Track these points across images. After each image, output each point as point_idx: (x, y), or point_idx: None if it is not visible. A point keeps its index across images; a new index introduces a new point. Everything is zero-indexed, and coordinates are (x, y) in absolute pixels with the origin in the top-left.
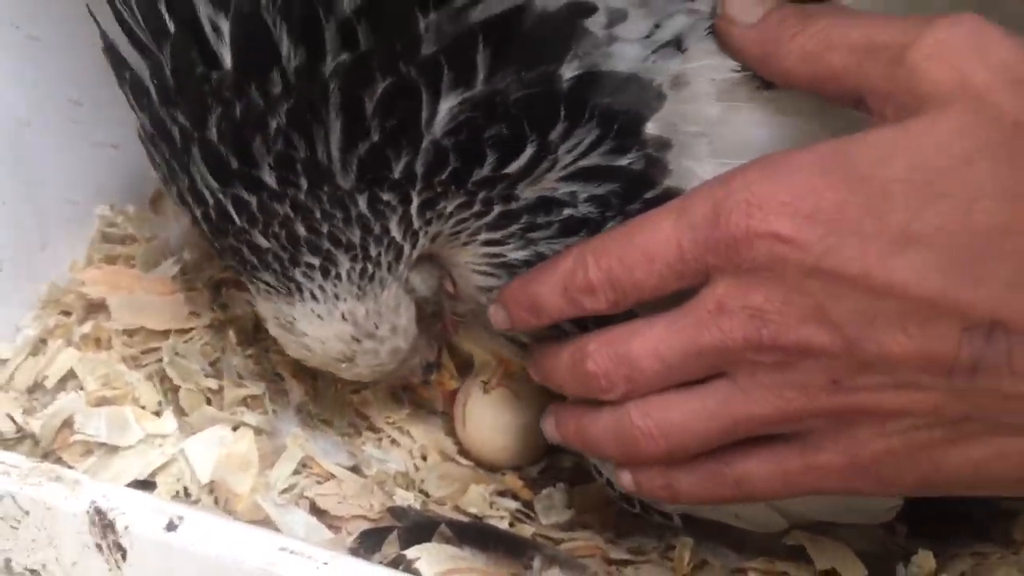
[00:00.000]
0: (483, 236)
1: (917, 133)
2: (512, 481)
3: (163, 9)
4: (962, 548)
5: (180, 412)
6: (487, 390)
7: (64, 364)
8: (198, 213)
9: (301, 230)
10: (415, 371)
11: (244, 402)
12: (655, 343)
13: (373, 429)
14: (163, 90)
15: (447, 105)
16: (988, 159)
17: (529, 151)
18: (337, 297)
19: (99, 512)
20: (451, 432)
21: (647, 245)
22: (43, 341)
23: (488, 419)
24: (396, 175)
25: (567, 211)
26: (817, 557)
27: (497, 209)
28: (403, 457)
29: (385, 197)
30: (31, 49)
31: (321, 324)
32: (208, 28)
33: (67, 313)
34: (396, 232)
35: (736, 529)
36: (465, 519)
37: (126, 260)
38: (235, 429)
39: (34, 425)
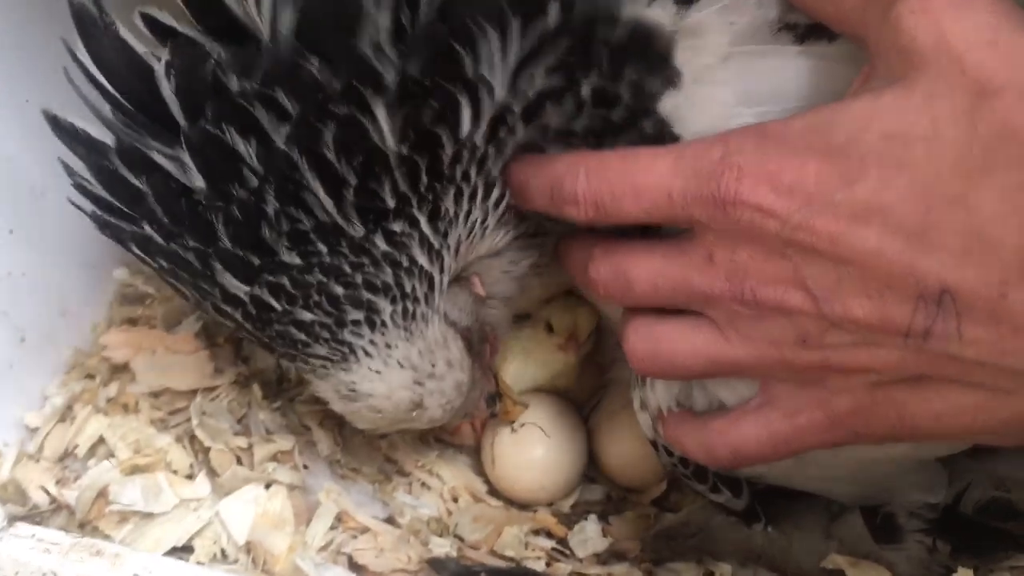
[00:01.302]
0: (491, 215)
1: (892, 101)
2: (544, 518)
3: (127, 175)
4: (1002, 563)
5: (212, 472)
6: (514, 429)
7: (94, 432)
8: (238, 315)
9: (338, 289)
10: (479, 405)
11: (275, 458)
12: (652, 272)
13: (403, 473)
14: (163, 229)
15: (382, 116)
16: (953, 128)
17: (464, 101)
18: (388, 346)
19: None
20: (480, 471)
21: (639, 181)
22: (70, 408)
23: (516, 457)
24: (390, 203)
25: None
26: None
27: (491, 160)
28: (435, 501)
29: (396, 228)
30: (43, 121)
31: (381, 379)
32: (174, 169)
33: (92, 377)
34: (422, 259)
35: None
36: (502, 564)
37: (147, 320)
38: (268, 487)
39: (69, 496)
